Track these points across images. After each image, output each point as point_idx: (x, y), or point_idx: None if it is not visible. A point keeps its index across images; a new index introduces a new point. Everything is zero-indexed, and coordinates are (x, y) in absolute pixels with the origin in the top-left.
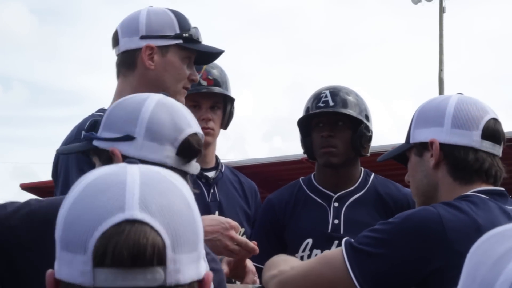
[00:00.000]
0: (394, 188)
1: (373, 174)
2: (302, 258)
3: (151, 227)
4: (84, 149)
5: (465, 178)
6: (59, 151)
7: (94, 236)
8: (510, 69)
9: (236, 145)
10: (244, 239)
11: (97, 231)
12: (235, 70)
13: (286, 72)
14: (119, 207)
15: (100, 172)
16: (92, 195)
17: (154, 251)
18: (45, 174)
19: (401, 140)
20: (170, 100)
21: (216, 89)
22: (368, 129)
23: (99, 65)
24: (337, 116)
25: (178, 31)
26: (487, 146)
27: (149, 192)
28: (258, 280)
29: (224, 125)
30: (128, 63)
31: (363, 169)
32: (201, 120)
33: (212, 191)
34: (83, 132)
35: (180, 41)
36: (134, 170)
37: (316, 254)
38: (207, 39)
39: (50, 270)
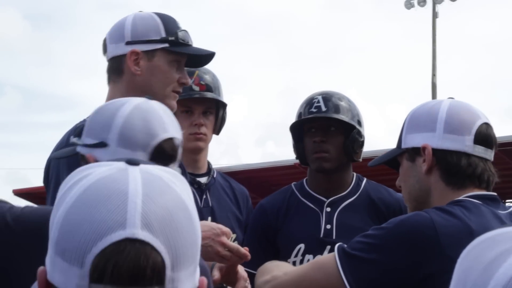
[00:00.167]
0: (386, 193)
1: (365, 179)
2: (294, 263)
3: (152, 247)
4: (69, 155)
5: (457, 183)
6: (51, 156)
7: (93, 252)
8: (504, 74)
9: (229, 150)
10: (235, 245)
11: (95, 247)
12: (228, 75)
13: (279, 77)
14: (120, 223)
15: (101, 174)
16: (92, 204)
17: (154, 272)
18: (38, 180)
19: (395, 144)
20: (148, 105)
21: (209, 95)
22: (360, 134)
23: (92, 70)
24: (330, 121)
25: (164, 35)
26: (479, 151)
27: (151, 206)
28: (249, 286)
29: (217, 130)
30: (116, 70)
31: (355, 174)
32: (194, 125)
33: (204, 196)
34: (71, 138)
35: (166, 45)
36: (136, 176)
37: (308, 259)
38: (201, 44)
39: (42, 268)
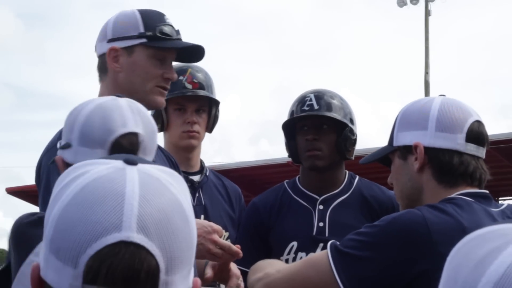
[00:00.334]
0: (379, 191)
1: (357, 177)
2: (287, 261)
3: (147, 251)
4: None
5: (450, 181)
6: (42, 155)
7: (87, 253)
8: (497, 72)
9: (222, 149)
10: (227, 242)
11: (90, 248)
12: (221, 74)
13: (272, 75)
14: (116, 225)
15: (98, 173)
16: (88, 204)
17: (148, 276)
18: (31, 178)
19: (387, 142)
20: (112, 103)
21: (201, 92)
22: (352, 132)
23: (85, 69)
24: (322, 119)
25: (142, 30)
26: (471, 149)
27: (148, 208)
28: (242, 284)
29: (209, 128)
30: (102, 68)
31: (347, 172)
32: (186, 123)
33: (197, 195)
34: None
35: (144, 40)
36: (133, 176)
37: (301, 257)
38: (193, 42)
39: (35, 264)
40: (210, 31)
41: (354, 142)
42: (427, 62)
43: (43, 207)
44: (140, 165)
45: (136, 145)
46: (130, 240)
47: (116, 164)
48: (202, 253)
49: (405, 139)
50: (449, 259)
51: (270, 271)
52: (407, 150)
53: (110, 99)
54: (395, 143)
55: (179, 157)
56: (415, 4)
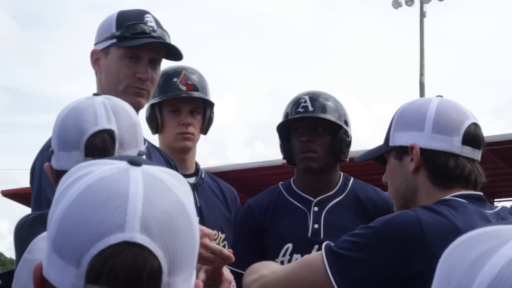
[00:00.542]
0: (374, 192)
1: (352, 179)
2: (282, 263)
3: (150, 252)
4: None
5: (445, 183)
6: (36, 157)
7: (90, 253)
8: (492, 73)
9: (217, 150)
10: (218, 246)
11: (93, 248)
12: (216, 75)
13: (268, 77)
14: (119, 226)
15: (102, 173)
16: (91, 204)
17: (151, 277)
18: (26, 181)
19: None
20: (87, 103)
21: (195, 94)
22: (347, 134)
23: (81, 71)
24: (317, 121)
25: (114, 31)
26: (467, 151)
27: (151, 209)
28: None
29: (204, 130)
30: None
31: (342, 173)
32: (181, 125)
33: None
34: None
35: (114, 41)
36: (137, 177)
37: (296, 259)
38: (189, 44)
39: (38, 263)
40: (206, 33)
41: (349, 144)
42: (422, 64)
43: (35, 208)
44: (144, 166)
45: (110, 141)
46: (133, 240)
47: (120, 164)
48: None
49: (401, 139)
50: (441, 260)
51: (265, 272)
52: (403, 151)
53: (85, 99)
54: (391, 143)
55: (174, 159)
56: (410, 5)
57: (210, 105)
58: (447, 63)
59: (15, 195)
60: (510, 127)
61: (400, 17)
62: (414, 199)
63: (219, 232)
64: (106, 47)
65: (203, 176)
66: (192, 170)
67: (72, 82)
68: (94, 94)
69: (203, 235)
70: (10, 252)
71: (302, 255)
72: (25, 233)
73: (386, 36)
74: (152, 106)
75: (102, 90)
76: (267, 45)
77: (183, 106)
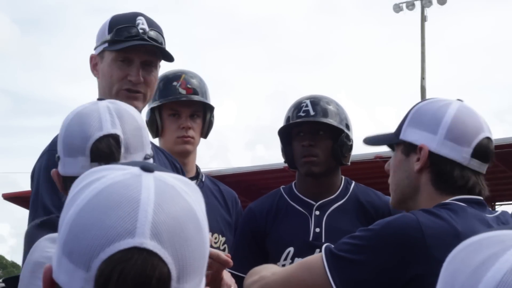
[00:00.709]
0: (375, 196)
1: (353, 182)
2: (283, 266)
3: (160, 258)
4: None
5: (447, 190)
6: (36, 162)
7: (100, 257)
8: (492, 77)
9: (218, 154)
10: (215, 251)
11: (103, 253)
12: (217, 79)
13: (268, 80)
14: (129, 231)
15: (114, 179)
16: (103, 209)
17: (160, 283)
18: (27, 184)
19: (383, 148)
20: (91, 107)
21: (195, 98)
22: (348, 138)
23: (82, 75)
24: (318, 125)
25: (106, 35)
26: (474, 164)
27: (162, 215)
28: None
29: (204, 134)
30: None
31: (343, 177)
32: (181, 128)
33: None
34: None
35: (106, 45)
36: (149, 183)
37: None
38: (189, 48)
39: (48, 266)
40: (206, 36)
41: (350, 147)
42: (423, 67)
43: (32, 213)
44: (156, 173)
45: (115, 146)
46: (143, 246)
47: (133, 170)
48: None
49: (413, 136)
50: (445, 264)
51: (265, 273)
52: (411, 148)
53: (89, 104)
54: (401, 136)
55: None
56: (411, 9)
57: (210, 108)
58: (448, 66)
59: (16, 198)
60: (511, 130)
61: (401, 21)
62: (414, 198)
63: (220, 236)
64: (101, 52)
65: (203, 179)
66: (192, 173)
67: (73, 86)
68: (98, 99)
69: None
70: (11, 255)
71: None
72: (32, 237)
73: (387, 40)
74: (152, 110)
75: (101, 95)
76: (268, 49)
77: (183, 110)
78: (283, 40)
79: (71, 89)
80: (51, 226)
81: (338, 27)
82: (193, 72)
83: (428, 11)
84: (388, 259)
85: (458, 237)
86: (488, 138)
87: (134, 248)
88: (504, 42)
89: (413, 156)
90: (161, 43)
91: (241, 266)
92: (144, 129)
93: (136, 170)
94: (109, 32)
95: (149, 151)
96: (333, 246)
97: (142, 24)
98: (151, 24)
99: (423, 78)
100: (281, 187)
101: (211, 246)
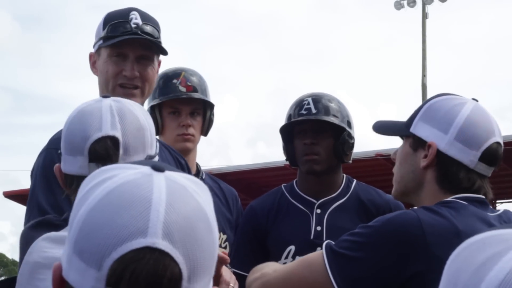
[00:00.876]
0: (376, 194)
1: (355, 181)
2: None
3: (171, 258)
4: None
5: (450, 190)
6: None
7: (112, 257)
8: (494, 74)
9: (219, 152)
10: None
11: (115, 252)
12: (217, 76)
13: (269, 77)
14: (142, 231)
15: (125, 178)
16: (114, 208)
17: (171, 283)
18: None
19: (386, 144)
20: (94, 105)
21: (195, 95)
22: (350, 136)
23: (83, 72)
24: (320, 123)
25: (101, 32)
26: (481, 168)
27: (174, 216)
28: None
29: (204, 131)
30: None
31: (345, 175)
32: (181, 126)
33: None
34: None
35: (101, 42)
36: (160, 183)
37: None
38: (190, 45)
39: (57, 264)
40: (207, 33)
41: (352, 145)
42: (424, 65)
43: (28, 212)
44: (167, 172)
45: (112, 149)
46: (155, 246)
47: (144, 169)
48: None
49: (423, 132)
50: (448, 263)
51: (266, 271)
52: (420, 143)
53: (93, 101)
54: (412, 129)
55: None
56: (412, 6)
57: (210, 106)
58: (450, 64)
59: (17, 196)
60: None
61: (402, 18)
62: (417, 193)
63: (221, 233)
64: (97, 49)
65: (204, 177)
66: (193, 171)
67: (73, 83)
68: (104, 96)
69: None
70: (12, 253)
71: None
72: (28, 238)
73: (388, 37)
74: (152, 108)
75: (100, 92)
76: (268, 46)
77: (183, 108)
78: (284, 37)
79: (72, 86)
80: (47, 226)
81: (339, 24)
82: (193, 69)
83: (429, 8)
84: (389, 256)
85: (458, 235)
86: (498, 143)
87: (146, 247)
88: (506, 39)
89: (420, 152)
90: (157, 38)
91: (243, 264)
92: (147, 129)
93: (147, 169)
94: (104, 28)
95: (151, 151)
96: (333, 243)
97: (135, 19)
98: (146, 18)
99: (424, 75)
100: (282, 185)
101: None
